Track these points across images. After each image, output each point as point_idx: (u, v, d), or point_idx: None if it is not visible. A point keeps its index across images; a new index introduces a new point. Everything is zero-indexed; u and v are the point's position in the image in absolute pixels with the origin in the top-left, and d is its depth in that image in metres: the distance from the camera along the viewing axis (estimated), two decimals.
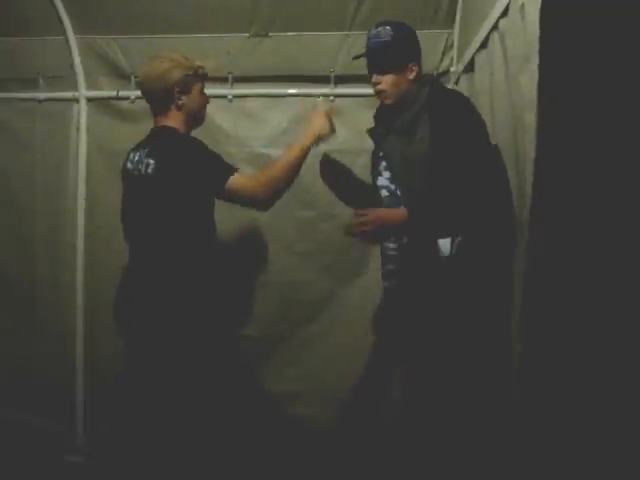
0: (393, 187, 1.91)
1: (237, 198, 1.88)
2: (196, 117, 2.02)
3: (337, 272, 2.67)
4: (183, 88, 1.93)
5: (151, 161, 1.87)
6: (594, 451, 1.32)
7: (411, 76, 1.89)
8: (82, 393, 2.70)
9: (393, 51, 1.86)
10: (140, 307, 1.90)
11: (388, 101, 1.91)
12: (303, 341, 2.71)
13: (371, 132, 2.07)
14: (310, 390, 2.67)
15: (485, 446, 1.73)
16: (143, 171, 1.88)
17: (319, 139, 2.04)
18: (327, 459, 2.50)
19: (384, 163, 1.95)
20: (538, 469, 1.42)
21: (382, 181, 1.95)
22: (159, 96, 1.93)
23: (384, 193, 1.95)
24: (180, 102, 1.93)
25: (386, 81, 1.88)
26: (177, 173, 1.83)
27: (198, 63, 1.99)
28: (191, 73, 1.95)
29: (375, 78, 1.90)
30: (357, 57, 1.98)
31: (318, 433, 2.63)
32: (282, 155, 1.99)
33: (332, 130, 2.08)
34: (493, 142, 1.86)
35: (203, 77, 2.01)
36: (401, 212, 1.79)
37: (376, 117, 2.05)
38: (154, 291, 1.88)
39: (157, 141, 1.92)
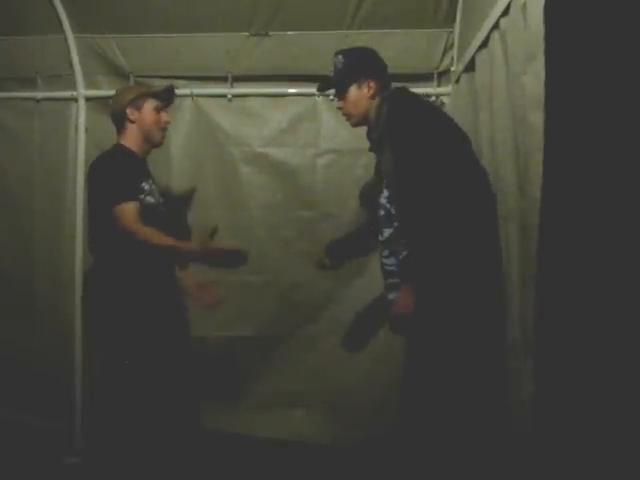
0: (388, 206, 1.96)
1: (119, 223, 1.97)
2: (149, 134, 2.17)
3: (337, 272, 2.66)
4: (134, 105, 2.15)
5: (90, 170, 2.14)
6: (602, 455, 1.32)
7: (369, 93, 1.98)
8: (81, 394, 2.70)
9: (344, 76, 2.01)
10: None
11: (352, 121, 2.05)
12: (303, 341, 2.70)
13: (370, 150, 2.13)
14: (310, 390, 2.67)
15: (486, 449, 1.73)
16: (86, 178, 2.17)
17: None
18: (327, 459, 2.49)
19: (385, 180, 2.00)
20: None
21: (382, 199, 2.00)
22: (117, 118, 2.18)
23: (380, 212, 2.00)
24: (132, 117, 2.14)
25: (345, 104, 2.02)
26: (90, 184, 2.12)
27: (154, 88, 2.25)
28: (142, 94, 2.17)
29: (338, 104, 2.07)
30: (319, 89, 2.21)
31: (318, 433, 2.63)
32: (171, 241, 1.93)
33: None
34: (491, 144, 1.86)
35: (154, 95, 2.18)
36: (407, 293, 1.82)
37: (367, 135, 2.10)
38: (91, 290, 2.16)
39: (100, 154, 2.16)
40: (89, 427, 2.67)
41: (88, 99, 2.74)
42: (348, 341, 2.65)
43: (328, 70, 2.61)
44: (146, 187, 2.13)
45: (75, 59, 2.69)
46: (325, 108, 2.69)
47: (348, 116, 2.04)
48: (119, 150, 2.15)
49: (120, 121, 2.17)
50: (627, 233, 1.26)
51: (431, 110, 1.97)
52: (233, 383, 2.68)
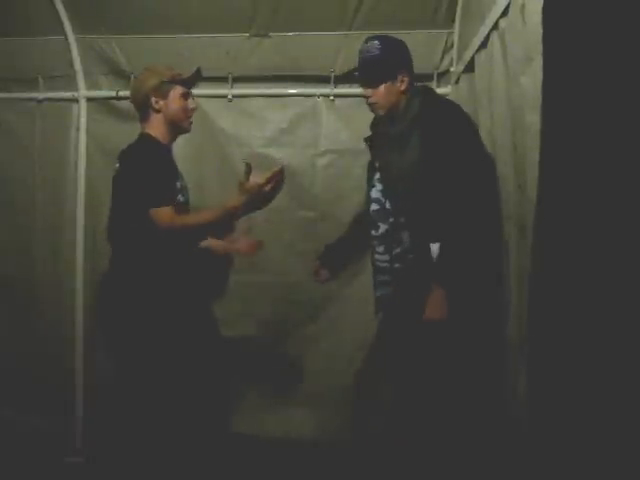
0: (383, 200, 1.94)
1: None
2: (177, 123, 2.05)
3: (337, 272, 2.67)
4: (160, 93, 2.00)
5: (117, 164, 1.99)
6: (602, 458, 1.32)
7: (402, 87, 1.93)
8: (81, 394, 2.70)
9: (381, 64, 1.92)
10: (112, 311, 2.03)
11: (380, 112, 1.96)
12: (303, 341, 2.71)
13: (368, 141, 2.11)
14: (311, 390, 2.67)
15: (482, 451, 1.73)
16: (114, 173, 2.01)
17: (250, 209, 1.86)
18: (327, 459, 2.50)
19: (378, 175, 1.99)
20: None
21: (375, 193, 1.98)
22: (140, 104, 2.04)
23: (373, 207, 1.98)
24: (157, 106, 2.00)
25: (377, 94, 1.93)
26: (124, 181, 1.96)
27: (177, 71, 2.05)
28: (167, 79, 2.01)
29: (366, 92, 1.96)
30: (351, 72, 2.06)
31: (318, 433, 2.63)
32: (211, 210, 1.95)
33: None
34: (490, 145, 1.87)
35: (181, 82, 2.05)
36: (439, 295, 1.77)
37: (373, 126, 2.08)
38: (122, 295, 1.99)
39: (128, 145, 2.00)
40: (89, 427, 2.68)
41: (89, 99, 2.74)
42: (348, 340, 2.66)
43: (328, 71, 2.65)
44: (178, 185, 2.06)
45: (76, 60, 2.70)
46: (325, 108, 2.70)
47: (376, 106, 1.96)
48: (148, 142, 2.01)
49: (143, 109, 2.04)
50: (623, 234, 1.27)
51: (460, 110, 1.94)
52: (233, 382, 2.68)
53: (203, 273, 2.29)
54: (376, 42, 1.93)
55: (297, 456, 2.53)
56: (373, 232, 1.99)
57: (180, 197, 2.07)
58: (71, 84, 2.73)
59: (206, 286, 2.33)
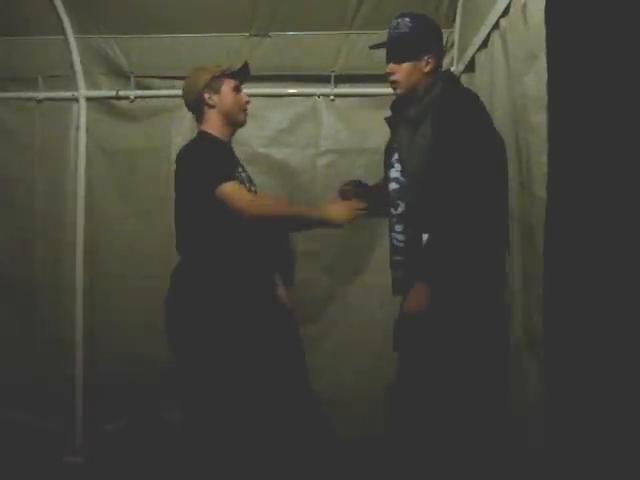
0: (403, 179, 1.92)
1: (226, 205, 1.87)
2: (232, 116, 2.07)
3: (338, 271, 2.67)
4: (212, 88, 2.03)
5: (174, 165, 2.01)
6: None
7: (426, 69, 1.90)
8: (81, 393, 2.70)
9: (409, 42, 1.88)
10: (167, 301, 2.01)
11: (399, 91, 1.93)
12: (304, 340, 2.70)
13: (388, 121, 2.08)
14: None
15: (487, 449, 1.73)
16: (174, 175, 2.02)
17: (329, 224, 1.86)
18: (328, 458, 2.50)
19: (396, 155, 1.96)
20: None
21: (393, 173, 1.96)
22: (194, 103, 2.05)
23: (393, 186, 1.95)
24: (211, 101, 2.02)
25: (399, 71, 1.89)
26: (182, 175, 1.96)
27: (227, 65, 2.09)
28: (218, 74, 2.04)
29: (389, 67, 1.92)
30: (373, 47, 2.00)
31: (319, 432, 2.63)
32: (293, 206, 2.08)
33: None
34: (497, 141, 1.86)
35: (231, 75, 2.07)
36: (421, 289, 1.76)
37: (393, 107, 2.05)
38: (178, 289, 1.99)
39: (185, 145, 2.04)
40: (89, 427, 2.68)
41: (89, 99, 2.74)
42: (349, 339, 2.65)
43: (328, 70, 2.65)
44: (243, 174, 2.05)
45: (76, 59, 2.69)
46: (325, 108, 2.70)
47: (396, 84, 1.92)
48: (206, 136, 2.02)
49: (198, 107, 2.05)
50: (630, 233, 1.27)
51: (478, 99, 1.90)
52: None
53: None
54: (407, 19, 1.89)
55: (296, 455, 2.52)
56: (392, 210, 1.96)
57: (251, 188, 2.07)
58: (71, 84, 2.72)
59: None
